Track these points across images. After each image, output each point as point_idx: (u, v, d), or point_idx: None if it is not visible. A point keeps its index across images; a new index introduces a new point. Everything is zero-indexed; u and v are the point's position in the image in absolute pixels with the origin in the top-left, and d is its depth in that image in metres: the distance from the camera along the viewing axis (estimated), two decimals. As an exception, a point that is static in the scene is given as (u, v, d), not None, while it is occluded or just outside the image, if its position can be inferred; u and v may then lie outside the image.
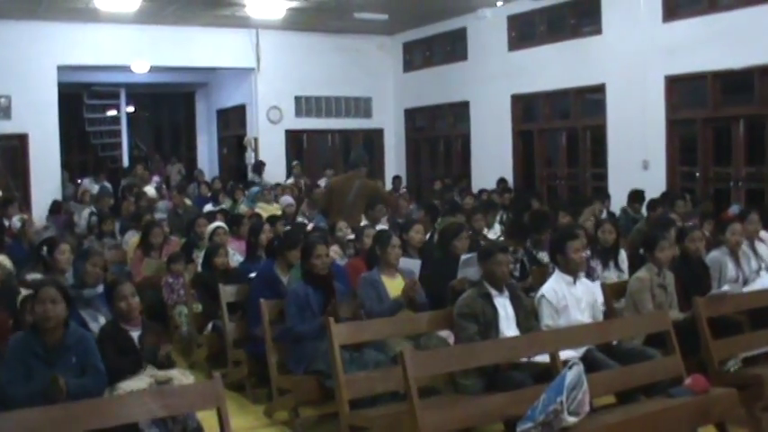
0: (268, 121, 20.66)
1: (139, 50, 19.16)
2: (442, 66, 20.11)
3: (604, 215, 12.10)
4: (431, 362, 5.85)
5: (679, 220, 10.56)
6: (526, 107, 18.00)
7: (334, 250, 9.51)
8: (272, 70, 20.35)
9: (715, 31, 13.67)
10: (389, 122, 21.97)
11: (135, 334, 6.16)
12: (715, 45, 13.66)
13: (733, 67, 13.60)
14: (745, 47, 13.23)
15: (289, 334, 7.10)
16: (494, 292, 6.56)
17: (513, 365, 6.20)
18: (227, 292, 8.25)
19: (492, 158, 18.13)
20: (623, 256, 9.20)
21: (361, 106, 21.73)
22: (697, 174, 14.60)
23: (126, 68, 20.36)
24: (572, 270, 7.07)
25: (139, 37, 18.85)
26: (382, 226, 10.51)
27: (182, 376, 5.95)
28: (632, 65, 14.95)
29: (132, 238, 11.77)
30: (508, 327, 6.50)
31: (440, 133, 20.98)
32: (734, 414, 6.58)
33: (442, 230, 8.70)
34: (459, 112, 19.61)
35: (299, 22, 18.86)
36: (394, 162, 21.78)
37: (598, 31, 15.90)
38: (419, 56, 21.24)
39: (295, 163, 19.72)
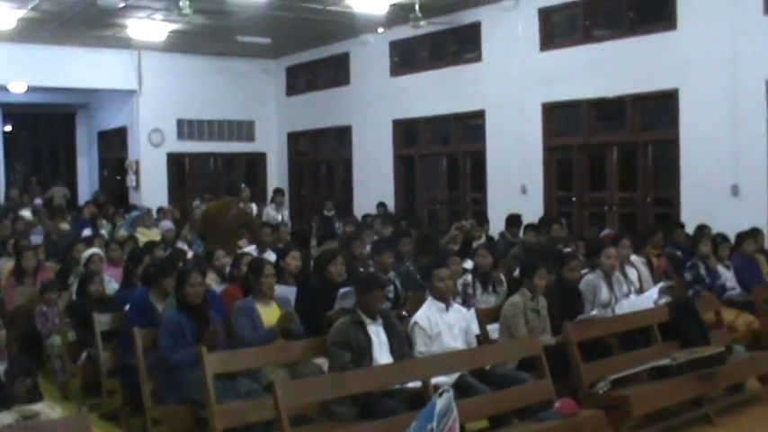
0: (150, 144, 20.36)
1: (17, 70, 18.66)
2: (324, 90, 20.20)
3: (483, 239, 12.27)
4: (303, 390, 5.86)
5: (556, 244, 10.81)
6: (407, 132, 18.18)
7: (212, 278, 9.42)
8: (154, 92, 20.10)
9: (590, 61, 14.12)
10: (272, 146, 21.93)
11: (1, 368, 5.98)
12: (590, 74, 14.10)
13: (606, 96, 14.04)
14: (618, 76, 13.73)
15: (162, 363, 6.98)
16: (367, 320, 6.58)
17: (386, 392, 6.23)
18: (102, 321, 8.06)
19: (373, 183, 18.28)
20: (501, 279, 9.36)
21: (243, 130, 21.62)
22: (573, 198, 14.96)
23: (2, 88, 19.79)
24: (440, 297, 7.17)
25: (17, 56, 18.37)
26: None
27: (49, 410, 5.80)
28: (511, 92, 15.30)
29: (6, 264, 11.42)
30: (381, 354, 6.54)
31: (322, 157, 21.02)
32: (602, 435, 6.77)
33: (317, 257, 8.71)
34: (342, 136, 19.72)
35: (181, 44, 18.70)
36: (277, 186, 21.67)
37: (478, 58, 16.21)
38: (302, 80, 21.29)
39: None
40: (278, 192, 17.44)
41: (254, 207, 16.18)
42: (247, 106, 21.27)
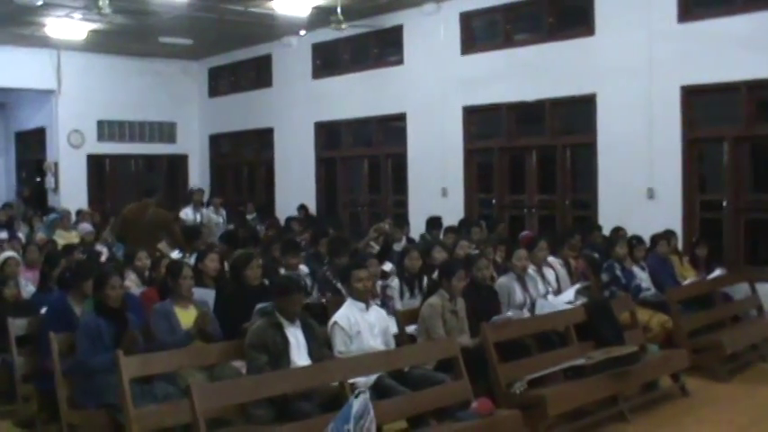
0: (69, 145, 19.99)
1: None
2: (247, 92, 20.09)
3: (404, 242, 12.34)
4: (220, 393, 5.84)
5: (473, 246, 10.92)
6: (329, 134, 18.17)
7: (132, 279, 9.33)
8: (74, 93, 19.71)
9: (510, 65, 14.29)
10: (194, 148, 21.73)
11: None
12: (510, 78, 14.26)
13: (526, 100, 14.23)
14: (538, 81, 13.91)
15: (79, 367, 6.89)
16: (285, 322, 6.58)
17: (304, 394, 6.24)
18: (17, 325, 7.91)
19: (295, 185, 18.26)
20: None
21: (165, 131, 21.38)
22: (493, 201, 15.11)
23: None
24: (359, 298, 7.22)
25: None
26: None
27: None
28: (432, 95, 15.41)
29: None
30: (299, 356, 6.54)
31: (244, 159, 20.88)
32: (518, 434, 6.88)
33: (233, 260, 8.67)
34: (264, 138, 19.63)
35: (102, 44, 18.41)
36: (198, 187, 21.45)
37: (400, 61, 16.29)
38: (224, 81, 21.15)
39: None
40: (197, 192, 17.02)
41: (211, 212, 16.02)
42: (169, 107, 21.05)
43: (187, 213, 15.52)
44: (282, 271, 9.39)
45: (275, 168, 19.21)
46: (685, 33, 12.15)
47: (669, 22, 12.31)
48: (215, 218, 16.08)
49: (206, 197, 17.47)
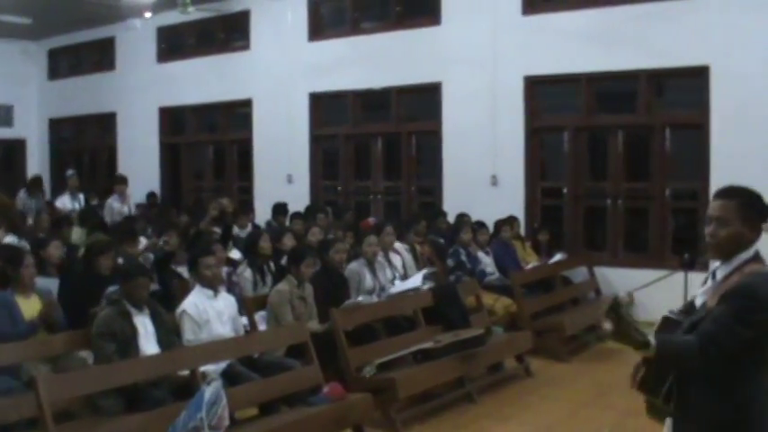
0: None
1: None
2: (89, 75, 19.42)
3: (249, 228, 12.24)
4: (67, 385, 5.67)
5: (321, 232, 10.93)
6: (174, 120, 17.83)
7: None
8: None
9: (357, 53, 14.35)
10: (32, 132, 20.88)
11: None
12: (357, 65, 14.33)
13: (372, 87, 14.32)
14: (384, 68, 14.03)
15: None
16: (133, 310, 6.44)
17: (154, 383, 6.12)
18: None
19: (139, 171, 17.75)
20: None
21: (1, 114, 20.49)
22: (339, 187, 15.18)
23: None
24: (208, 285, 7.14)
25: None
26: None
27: None
28: (279, 81, 15.31)
29: None
30: (148, 344, 6.42)
31: (86, 145, 20.23)
32: (370, 417, 6.98)
33: (87, 247, 8.42)
34: (106, 123, 19.06)
35: (-68, 22, 17.53)
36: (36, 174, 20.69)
37: (247, 46, 16.12)
38: (65, 64, 20.41)
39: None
40: (71, 178, 16.18)
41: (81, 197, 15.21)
42: (5, 90, 20.10)
43: (64, 202, 14.74)
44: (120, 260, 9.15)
45: (118, 154, 18.70)
46: (529, 26, 12.50)
47: (513, 15, 12.63)
48: (29, 202, 15.21)
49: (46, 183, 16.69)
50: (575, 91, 12.43)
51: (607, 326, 3.39)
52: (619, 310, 3.45)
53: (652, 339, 3.38)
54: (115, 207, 14.11)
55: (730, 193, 3.41)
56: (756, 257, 3.38)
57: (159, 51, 17.69)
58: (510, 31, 12.61)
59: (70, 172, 15.69)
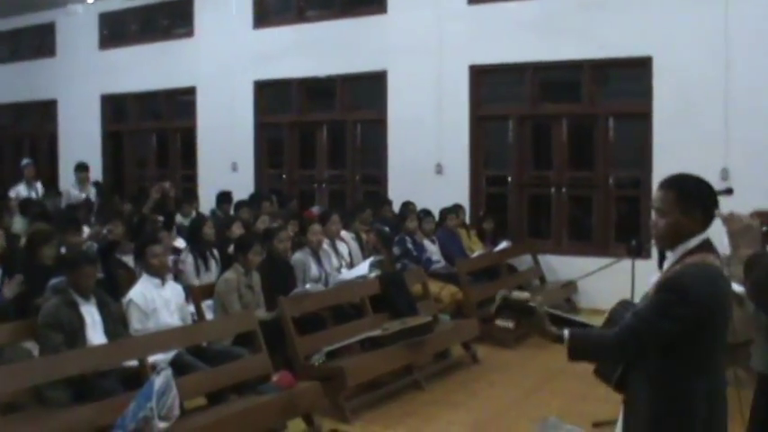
0: None
1: None
2: (28, 61, 19.02)
3: (193, 215, 12.13)
4: (12, 376, 5.59)
5: (269, 220, 10.91)
6: (116, 107, 17.60)
7: None
8: None
9: (302, 40, 14.29)
10: (-32, 119, 20.53)
11: None
12: (302, 53, 14.27)
13: (317, 75, 14.28)
14: (330, 56, 13.99)
15: None
16: (80, 299, 6.36)
17: (102, 373, 6.06)
18: None
19: (81, 159, 17.52)
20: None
21: (-65, 101, 20.07)
22: (283, 176, 15.13)
23: None
24: (155, 273, 7.08)
25: None
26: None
27: None
28: (223, 69, 15.19)
29: None
30: (95, 334, 6.34)
31: (25, 132, 19.85)
32: (319, 405, 6.99)
33: (30, 235, 8.28)
34: (47, 110, 18.74)
35: None
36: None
37: (190, 33, 15.96)
38: (3, 49, 19.95)
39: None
40: (27, 167, 15.63)
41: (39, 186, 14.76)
42: (-60, 75, 19.73)
43: (19, 192, 14.35)
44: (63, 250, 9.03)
45: (59, 142, 18.42)
46: (475, 15, 12.58)
47: (459, 4, 12.72)
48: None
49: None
50: (519, 80, 12.55)
51: (509, 324, 3.44)
52: (511, 304, 3.52)
53: (565, 333, 3.41)
54: (73, 195, 13.83)
55: (670, 183, 3.39)
56: (703, 247, 3.33)
57: (101, 38, 17.44)
58: (456, 21, 12.68)
59: (26, 161, 15.31)
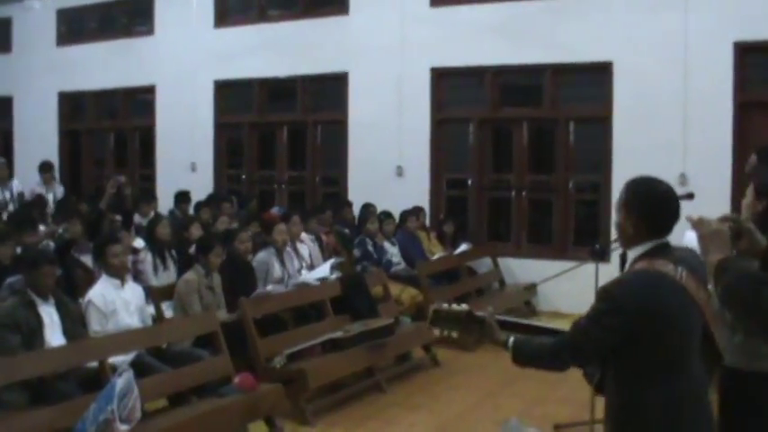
0: None
1: None
2: (-18, 57, 18.86)
3: (152, 215, 12.02)
4: (-32, 378, 5.49)
5: (228, 221, 10.85)
6: (74, 105, 17.40)
7: None
8: None
9: (263, 40, 14.22)
10: None
11: None
12: (263, 53, 14.21)
13: (278, 76, 14.23)
14: (291, 57, 13.94)
15: None
16: (38, 300, 6.26)
17: (60, 375, 5.98)
18: None
19: (37, 158, 17.21)
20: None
21: None
22: (243, 176, 15.05)
23: None
24: (115, 274, 7.00)
25: None
26: None
27: None
28: (183, 68, 15.08)
29: None
30: (54, 335, 6.24)
31: (-21, 130, 19.62)
32: (281, 407, 6.96)
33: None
34: (2, 107, 18.46)
35: None
36: None
37: (150, 31, 15.83)
38: (-44, 45, 19.75)
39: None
40: None
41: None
42: None
43: None
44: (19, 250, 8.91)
45: (14, 140, 18.16)
46: (437, 17, 12.63)
47: (422, 6, 12.76)
48: None
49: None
50: (481, 83, 12.60)
51: (452, 333, 3.49)
52: (443, 317, 3.56)
53: (510, 339, 3.44)
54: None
55: (627, 184, 3.33)
56: (653, 253, 3.24)
57: (59, 34, 17.22)
58: (418, 23, 12.70)
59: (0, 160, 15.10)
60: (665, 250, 3.26)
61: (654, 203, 3.26)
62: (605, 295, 3.20)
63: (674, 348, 3.20)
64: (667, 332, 3.17)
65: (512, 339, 3.44)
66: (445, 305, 3.72)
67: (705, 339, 3.35)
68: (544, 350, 3.34)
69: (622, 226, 3.31)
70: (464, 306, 3.67)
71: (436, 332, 3.64)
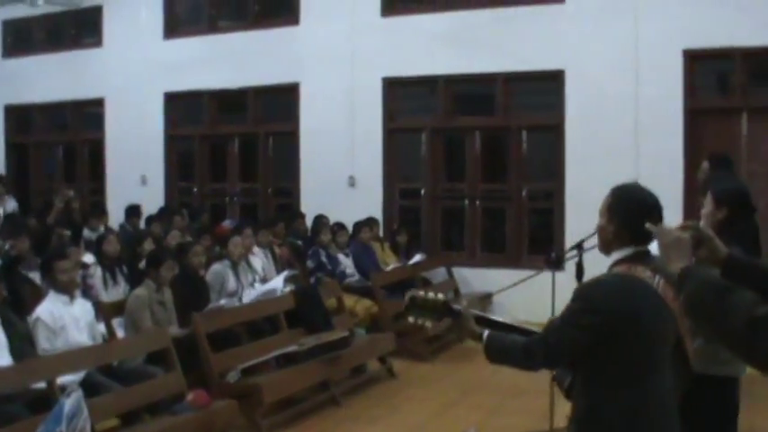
0: None
1: None
2: (-75, 69, 18.50)
3: (102, 230, 11.85)
4: None
5: (180, 235, 10.71)
6: (21, 118, 17.13)
7: None
8: None
9: (214, 52, 14.09)
10: None
11: None
12: (213, 65, 14.06)
13: (229, 87, 14.11)
14: (242, 68, 13.82)
15: None
16: (-17, 318, 6.13)
17: (7, 396, 5.82)
18: None
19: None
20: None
21: None
22: (195, 189, 14.91)
23: None
24: (64, 290, 6.84)
25: None
26: None
27: None
28: (132, 80, 14.88)
29: None
30: (0, 355, 6.10)
31: None
32: (236, 423, 6.89)
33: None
34: (-53, 120, 18.19)
35: None
36: None
37: (99, 43, 15.62)
38: None
39: None
40: None
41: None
42: None
43: None
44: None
45: (-41, 154, 17.87)
46: (388, 27, 12.61)
47: (372, 16, 12.72)
48: None
49: None
50: (433, 93, 12.60)
51: (427, 323, 3.48)
52: (420, 304, 3.53)
53: (485, 333, 3.42)
54: None
55: (613, 189, 3.36)
56: (632, 258, 3.26)
57: (5, 46, 16.95)
58: (368, 33, 12.67)
59: None
60: (644, 258, 3.28)
61: (637, 211, 3.27)
62: (581, 295, 3.22)
63: (644, 353, 3.20)
64: (639, 336, 3.17)
65: (486, 334, 3.42)
66: (422, 293, 3.67)
67: (678, 349, 3.34)
68: (517, 348, 3.31)
69: (604, 230, 3.32)
70: (441, 296, 3.63)
71: (410, 319, 3.57)
